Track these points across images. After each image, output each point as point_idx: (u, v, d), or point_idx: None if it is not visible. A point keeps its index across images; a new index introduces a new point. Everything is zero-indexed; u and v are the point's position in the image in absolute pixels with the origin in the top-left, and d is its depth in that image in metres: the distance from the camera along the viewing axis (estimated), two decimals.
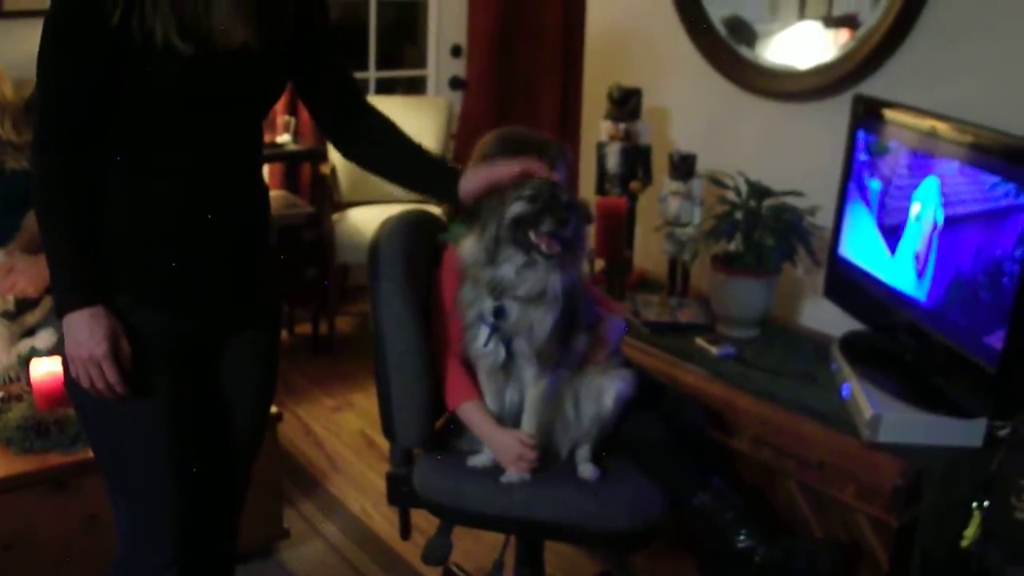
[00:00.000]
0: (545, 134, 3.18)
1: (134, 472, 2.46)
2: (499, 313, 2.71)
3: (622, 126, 4.34)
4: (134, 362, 2.32)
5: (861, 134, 3.49)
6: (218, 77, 2.28)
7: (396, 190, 2.78)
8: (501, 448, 2.81)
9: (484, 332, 2.74)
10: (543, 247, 2.62)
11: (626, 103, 4.35)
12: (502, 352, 2.74)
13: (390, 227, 2.86)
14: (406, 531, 3.13)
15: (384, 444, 4.53)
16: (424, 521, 3.20)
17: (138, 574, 2.55)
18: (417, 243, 2.90)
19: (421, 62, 6.80)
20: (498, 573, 3.07)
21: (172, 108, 2.27)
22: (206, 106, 2.30)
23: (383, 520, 4.15)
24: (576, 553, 3.85)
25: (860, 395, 3.12)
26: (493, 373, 2.82)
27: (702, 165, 4.11)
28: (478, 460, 2.88)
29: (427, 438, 2.93)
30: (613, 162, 4.33)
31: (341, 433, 4.93)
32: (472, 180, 2.69)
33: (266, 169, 6.03)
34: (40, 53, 2.23)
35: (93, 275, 2.28)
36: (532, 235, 2.62)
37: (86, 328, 2.25)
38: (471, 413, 2.85)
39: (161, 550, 2.51)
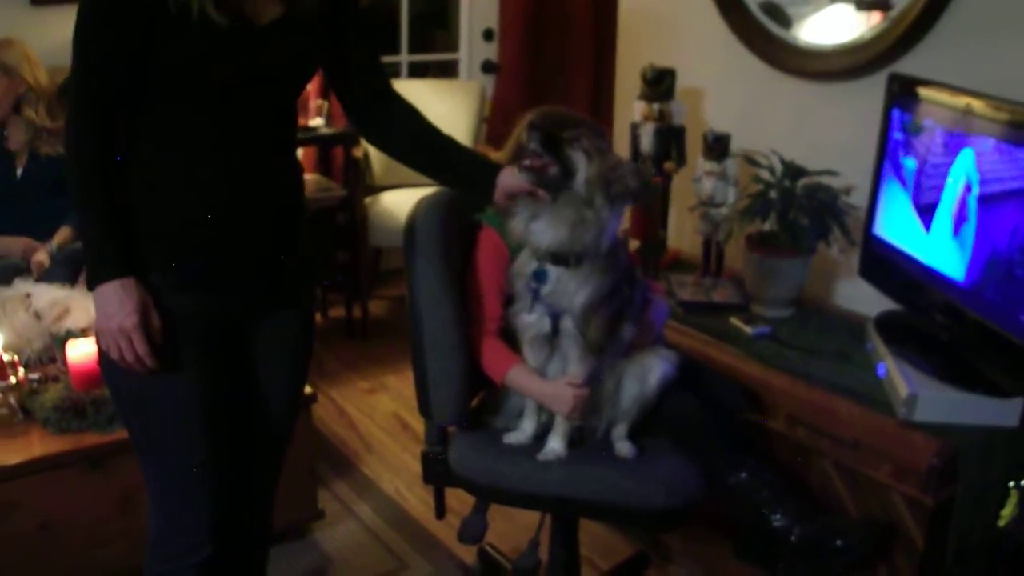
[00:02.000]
0: (582, 115, 3.17)
1: (167, 450, 2.47)
2: (539, 277, 2.71)
3: (656, 106, 4.32)
4: (165, 338, 2.33)
5: (896, 113, 3.46)
6: (252, 52, 2.29)
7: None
8: (557, 399, 2.79)
9: (528, 299, 2.75)
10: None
11: (660, 83, 4.33)
12: (547, 323, 2.75)
13: (426, 206, 2.86)
14: (441, 511, 3.13)
15: (417, 426, 4.61)
16: (458, 502, 3.21)
17: (171, 552, 2.56)
18: (453, 222, 2.90)
19: (452, 46, 6.79)
20: (533, 552, 3.07)
21: (205, 84, 2.27)
22: (238, 82, 2.30)
23: (417, 501, 4.16)
24: (610, 534, 3.86)
25: (896, 374, 3.11)
26: (537, 346, 2.82)
27: (736, 145, 4.09)
28: (515, 437, 2.89)
29: (463, 416, 2.93)
30: (647, 143, 4.31)
31: (375, 415, 4.94)
32: (513, 178, 2.67)
33: (299, 152, 6.05)
34: (76, 27, 2.24)
35: (124, 248, 2.30)
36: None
37: (116, 300, 2.27)
38: (519, 377, 2.84)
39: (194, 529, 2.52)
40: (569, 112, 3.09)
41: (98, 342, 2.39)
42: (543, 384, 2.82)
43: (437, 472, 3.02)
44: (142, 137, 2.32)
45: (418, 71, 6.70)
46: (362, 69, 2.65)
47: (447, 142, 2.72)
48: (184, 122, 2.31)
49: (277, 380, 2.67)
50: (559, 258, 2.69)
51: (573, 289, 2.69)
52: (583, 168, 2.63)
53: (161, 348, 2.33)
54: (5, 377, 3.51)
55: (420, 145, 2.72)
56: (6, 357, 3.51)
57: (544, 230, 2.66)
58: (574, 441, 2.82)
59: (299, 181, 2.59)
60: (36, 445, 3.34)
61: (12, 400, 3.48)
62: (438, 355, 2.86)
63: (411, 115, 2.70)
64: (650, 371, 2.85)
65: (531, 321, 2.77)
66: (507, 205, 2.71)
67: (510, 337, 2.89)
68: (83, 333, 3.64)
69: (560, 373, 2.81)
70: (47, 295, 3.98)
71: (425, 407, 2.95)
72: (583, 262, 2.68)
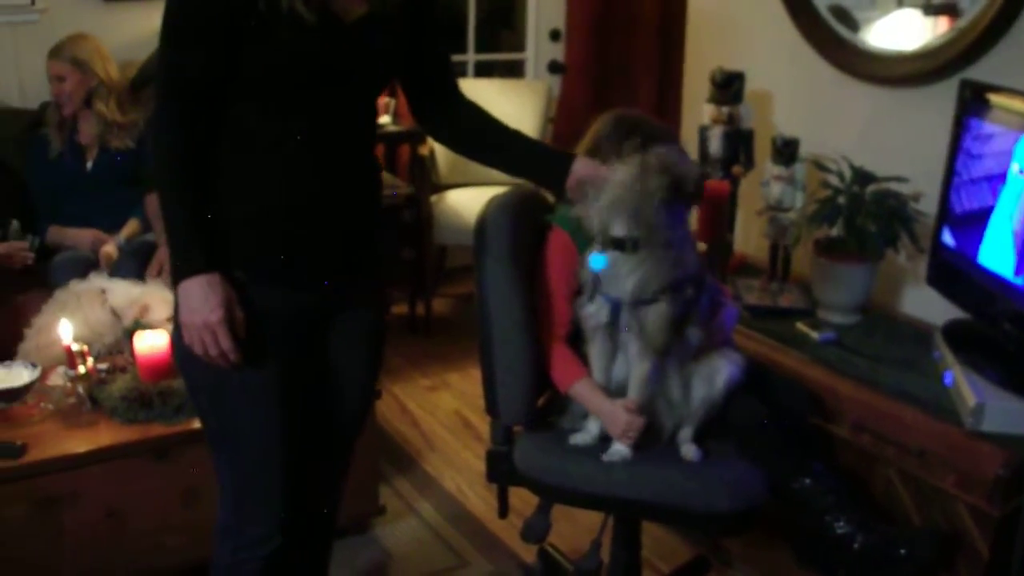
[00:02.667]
0: (659, 121, 3.16)
1: (243, 443, 2.50)
2: (596, 261, 2.72)
3: (725, 109, 4.32)
4: (248, 333, 2.35)
5: (967, 119, 3.44)
6: (339, 49, 2.31)
7: (495, 173, 2.77)
8: (610, 419, 2.81)
9: (590, 287, 2.77)
10: None
11: (729, 87, 4.33)
12: (604, 312, 2.75)
13: (497, 204, 2.87)
14: (504, 510, 3.14)
15: (479, 424, 4.63)
16: (520, 502, 3.21)
17: (241, 543, 2.58)
18: (523, 222, 2.91)
19: (518, 46, 6.79)
20: (596, 553, 3.07)
21: (291, 79, 2.29)
22: (325, 79, 2.32)
23: (478, 499, 4.17)
24: (671, 537, 3.85)
25: (963, 383, 3.09)
26: (598, 338, 2.82)
27: (804, 149, 4.08)
28: (580, 438, 2.89)
29: (529, 416, 2.94)
30: (715, 146, 4.31)
31: (437, 412, 4.95)
32: (586, 165, 2.69)
33: None
34: (163, 23, 2.27)
35: (209, 243, 2.31)
36: None
37: (201, 295, 2.28)
38: (583, 390, 2.86)
39: (265, 520, 2.54)
40: (648, 119, 3.09)
41: (177, 335, 2.41)
42: (603, 402, 2.83)
43: (501, 471, 3.03)
44: (228, 133, 2.34)
45: (484, 70, 6.70)
46: (435, 69, 2.66)
47: (516, 137, 2.73)
48: (270, 119, 2.32)
49: (351, 376, 2.69)
50: (618, 243, 2.70)
51: (625, 273, 2.70)
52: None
53: (244, 342, 2.35)
54: (74, 366, 3.54)
55: (490, 143, 2.74)
56: (76, 347, 3.55)
57: (604, 208, 2.67)
58: (639, 443, 2.81)
59: (379, 179, 2.61)
60: (103, 435, 3.37)
61: (81, 389, 3.51)
62: (506, 354, 2.87)
63: (478, 114, 2.72)
64: (717, 373, 2.84)
65: (591, 311, 2.78)
66: (579, 192, 2.71)
67: (577, 339, 2.90)
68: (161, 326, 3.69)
69: (624, 373, 2.81)
70: (123, 292, 4.03)
71: (492, 406, 2.96)
72: (639, 248, 2.68)
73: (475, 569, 3.74)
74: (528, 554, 3.70)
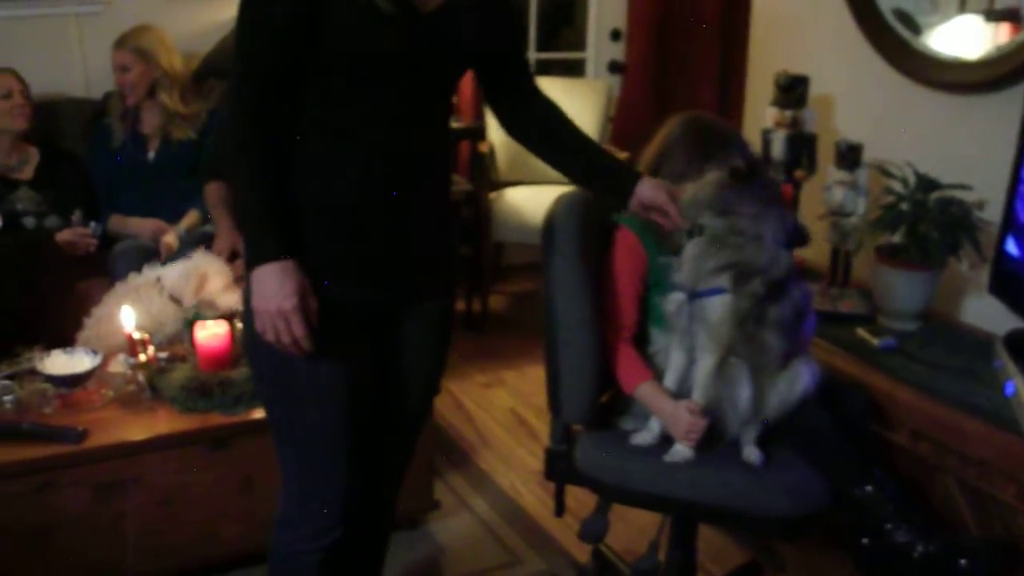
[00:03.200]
0: (729, 124, 3.15)
1: (308, 434, 2.50)
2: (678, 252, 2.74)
3: (788, 113, 4.30)
4: (321, 322, 2.34)
5: None
6: (416, 39, 2.30)
7: (555, 171, 2.76)
8: (672, 420, 2.81)
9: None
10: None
11: (793, 90, 4.31)
12: (675, 303, 2.77)
13: (566, 203, 2.87)
14: (560, 509, 3.14)
15: (534, 422, 4.64)
16: (574, 501, 3.21)
17: (301, 534, 2.59)
18: (591, 221, 2.91)
19: (578, 45, 6.78)
20: (653, 554, 3.07)
21: (370, 71, 2.28)
22: (403, 70, 2.31)
23: (532, 497, 4.17)
24: (725, 541, 3.84)
25: None
26: (676, 334, 2.83)
27: (867, 155, 4.05)
28: (642, 438, 2.88)
29: (592, 415, 2.94)
30: (778, 149, 4.29)
31: (492, 409, 4.96)
32: (652, 190, 2.67)
33: None
34: (240, 11, 2.28)
35: (283, 229, 2.31)
36: None
37: (276, 281, 2.27)
38: (647, 392, 2.86)
39: (327, 512, 2.55)
40: (717, 122, 3.09)
41: (248, 322, 2.42)
42: (665, 403, 2.82)
43: (560, 470, 3.03)
44: (305, 123, 2.34)
45: (543, 69, 6.71)
46: (511, 62, 2.66)
47: (587, 144, 2.73)
48: (343, 109, 2.32)
49: (417, 371, 2.69)
50: (689, 232, 2.72)
51: (688, 257, 2.73)
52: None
53: (316, 332, 2.34)
54: (135, 354, 3.57)
55: (561, 144, 2.72)
56: (137, 335, 3.57)
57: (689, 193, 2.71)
58: (702, 444, 2.81)
59: (449, 173, 2.62)
60: (162, 423, 3.40)
61: (141, 377, 3.54)
62: (571, 353, 2.86)
63: (555, 113, 2.71)
64: (797, 380, 2.82)
65: (672, 298, 2.80)
66: (644, 214, 2.71)
67: (643, 340, 2.91)
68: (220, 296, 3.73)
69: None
70: (175, 272, 4.06)
71: (555, 403, 2.95)
72: (704, 233, 2.71)
73: (528, 567, 3.74)
74: (581, 553, 3.71)
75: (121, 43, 4.75)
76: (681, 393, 2.84)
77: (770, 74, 4.44)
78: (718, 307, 2.71)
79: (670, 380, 2.86)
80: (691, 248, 2.73)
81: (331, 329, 2.37)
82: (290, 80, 2.30)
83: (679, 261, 2.76)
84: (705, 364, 2.76)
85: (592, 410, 2.92)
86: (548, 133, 2.71)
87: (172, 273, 4.14)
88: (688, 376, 2.84)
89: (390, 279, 2.46)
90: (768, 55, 5.19)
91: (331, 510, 2.55)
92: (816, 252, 4.47)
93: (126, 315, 3.63)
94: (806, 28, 5.00)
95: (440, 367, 2.78)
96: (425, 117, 2.42)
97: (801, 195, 4.32)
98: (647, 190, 2.66)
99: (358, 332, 2.47)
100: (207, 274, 4.11)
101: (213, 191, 4.60)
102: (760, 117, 4.55)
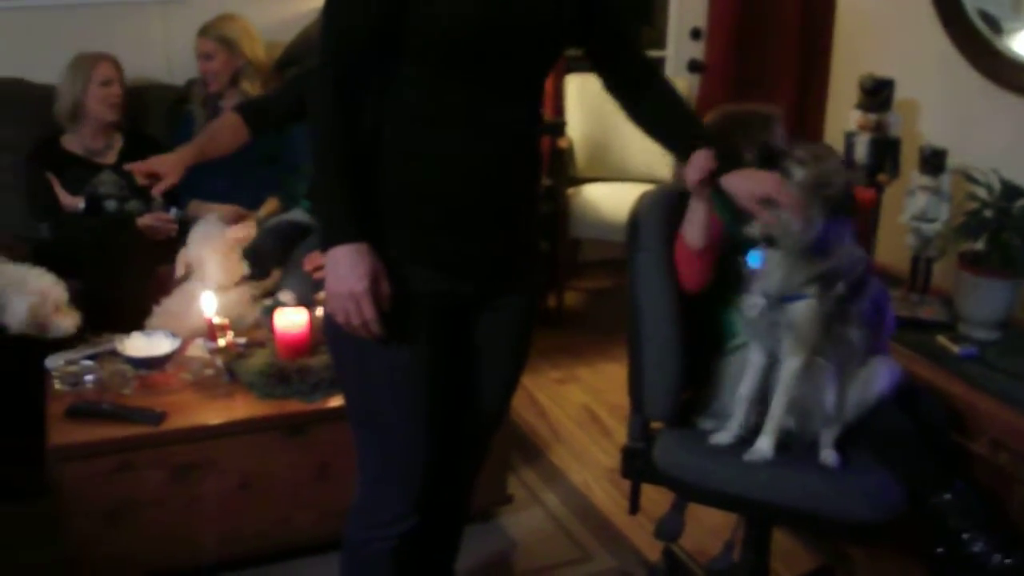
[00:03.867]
0: (754, 105, 3.17)
1: (385, 422, 2.50)
2: (754, 259, 2.72)
3: (873, 116, 4.27)
4: (394, 309, 2.34)
5: None
6: (509, 21, 2.27)
7: (633, 168, 2.75)
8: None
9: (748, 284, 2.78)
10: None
11: (878, 93, 4.28)
12: (758, 308, 2.75)
13: (649, 201, 2.87)
14: (635, 506, 3.13)
15: (607, 419, 4.63)
16: (645, 500, 3.19)
17: (376, 521, 2.59)
18: (675, 217, 2.90)
19: (656, 43, 6.77)
20: (728, 554, 3.06)
21: (461, 54, 2.27)
22: (494, 54, 2.29)
23: (603, 494, 4.16)
24: (796, 545, 3.81)
25: None
26: (755, 332, 2.82)
27: (951, 160, 4.01)
28: (721, 438, 2.87)
29: (674, 412, 2.93)
30: (861, 152, 4.26)
31: (565, 405, 4.95)
32: (703, 159, 2.62)
33: None
34: None
35: (360, 212, 2.30)
36: None
37: (348, 263, 2.27)
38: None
39: (402, 500, 2.55)
40: (743, 109, 3.08)
41: (327, 311, 2.42)
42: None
43: (636, 468, 3.03)
44: (388, 106, 2.33)
45: None
46: (617, 42, 2.62)
47: (680, 115, 2.70)
48: (431, 92, 2.31)
49: (497, 364, 2.68)
50: (770, 239, 2.70)
51: (773, 268, 2.71)
52: (798, 175, 2.62)
53: (389, 317, 2.34)
54: (215, 339, 3.60)
55: (669, 128, 2.69)
56: (217, 320, 3.60)
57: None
58: (782, 445, 2.79)
59: (539, 164, 2.60)
60: (239, 408, 3.43)
61: (220, 362, 3.57)
62: (655, 349, 2.86)
63: (668, 93, 2.68)
64: (875, 378, 2.80)
65: (748, 304, 2.78)
66: (699, 192, 2.71)
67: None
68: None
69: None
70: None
71: (637, 400, 2.95)
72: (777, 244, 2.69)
73: (598, 564, 3.73)
74: (652, 552, 3.69)
75: (205, 31, 4.79)
76: (760, 393, 2.83)
77: (854, 76, 4.42)
78: (804, 312, 2.69)
79: (747, 380, 2.85)
80: (774, 257, 2.71)
81: (408, 317, 2.38)
82: (376, 60, 2.30)
83: (760, 271, 2.74)
84: (791, 366, 2.74)
85: (674, 407, 2.92)
86: (656, 121, 2.68)
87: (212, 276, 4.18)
88: (766, 376, 2.83)
89: (468, 269, 2.44)
90: (852, 57, 5.16)
91: (406, 498, 2.55)
92: (896, 258, 4.44)
93: (206, 300, 3.66)
94: (892, 31, 4.96)
95: (518, 366, 2.76)
96: (515, 104, 2.39)
97: (883, 200, 4.28)
98: (701, 160, 2.61)
99: (437, 323, 2.45)
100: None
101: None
102: (842, 120, 4.52)
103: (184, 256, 4.06)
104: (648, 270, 2.82)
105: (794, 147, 2.68)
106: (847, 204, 2.70)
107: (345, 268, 2.28)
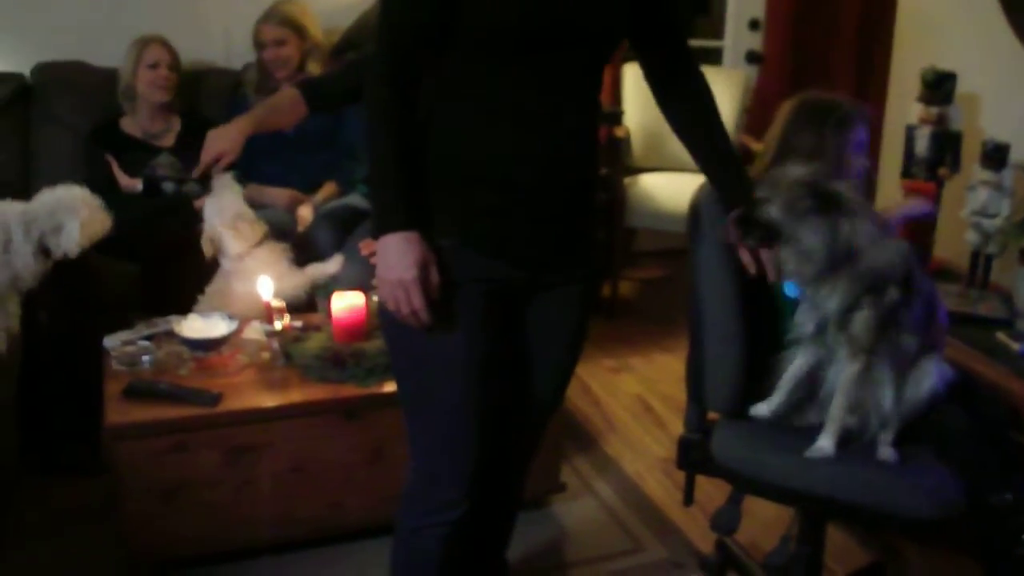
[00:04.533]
0: (840, 96, 3.10)
1: (438, 408, 2.49)
2: (791, 289, 2.71)
3: (934, 110, 4.24)
4: (445, 297, 2.34)
5: None
6: (568, 11, 2.25)
7: (690, 159, 2.72)
8: None
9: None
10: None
11: (940, 87, 4.25)
12: (811, 325, 2.73)
13: (711, 190, 2.84)
14: (689, 498, 3.11)
15: (661, 409, 4.64)
16: (698, 492, 3.17)
17: (428, 507, 2.58)
18: None
19: (714, 34, 6.75)
20: (785, 548, 3.04)
21: (511, 43, 2.25)
22: (552, 43, 2.27)
23: (656, 484, 4.15)
24: (848, 540, 3.78)
25: None
26: (806, 345, 2.79)
27: (1014, 155, 3.97)
28: (760, 410, 2.87)
29: (733, 404, 2.90)
30: (922, 146, 4.23)
31: (618, 395, 4.94)
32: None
33: None
34: None
35: (412, 201, 2.30)
36: None
37: (398, 251, 2.27)
38: None
39: (454, 485, 2.53)
40: (827, 98, 3.04)
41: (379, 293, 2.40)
42: None
43: (692, 459, 3.01)
44: (445, 95, 2.33)
45: None
46: (664, 36, 2.59)
47: (716, 144, 2.69)
48: (488, 82, 2.30)
49: (552, 353, 2.65)
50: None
51: (824, 296, 2.68)
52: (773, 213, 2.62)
53: (439, 306, 2.33)
54: (271, 322, 3.61)
55: (690, 134, 2.68)
56: (275, 303, 3.61)
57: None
58: (842, 441, 2.77)
59: (596, 154, 2.55)
60: (294, 391, 3.43)
61: (276, 345, 3.58)
62: (716, 340, 2.84)
63: (698, 101, 2.66)
64: (924, 377, 2.77)
65: (799, 320, 2.75)
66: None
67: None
68: None
69: (836, 374, 2.77)
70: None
71: (696, 391, 2.93)
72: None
73: (650, 555, 3.71)
74: (704, 544, 3.68)
75: (272, 17, 4.80)
76: (799, 390, 2.83)
77: (915, 69, 4.39)
78: (859, 323, 2.67)
79: (787, 378, 2.83)
80: (819, 287, 2.67)
81: (462, 305, 2.37)
82: (433, 50, 2.29)
83: (801, 299, 2.74)
84: (851, 371, 2.71)
85: (734, 399, 2.88)
86: (685, 122, 2.68)
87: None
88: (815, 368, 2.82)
89: (521, 256, 2.42)
90: (914, 50, 5.12)
91: (457, 485, 2.54)
92: (955, 252, 4.40)
93: (263, 284, 3.68)
94: (954, 23, 4.92)
95: (574, 355, 2.73)
96: (572, 93, 2.37)
97: (943, 194, 4.25)
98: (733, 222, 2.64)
99: (491, 309, 2.43)
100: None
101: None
102: (902, 113, 4.49)
103: (207, 235, 4.07)
104: (710, 260, 2.79)
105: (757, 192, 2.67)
106: (832, 197, 2.64)
107: (395, 256, 2.28)
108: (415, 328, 2.35)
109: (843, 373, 2.73)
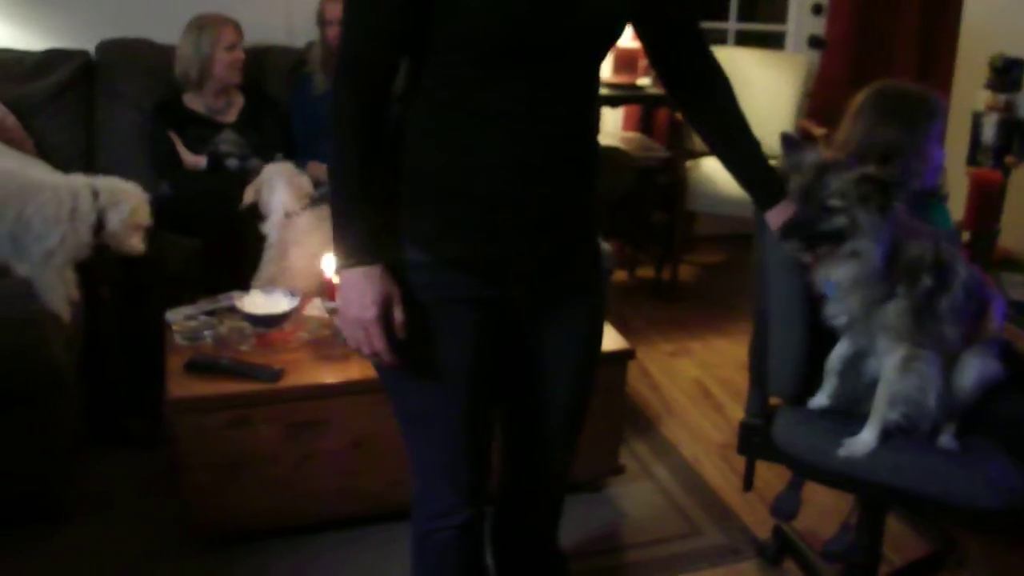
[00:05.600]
0: (920, 87, 3.04)
1: (429, 423, 2.41)
2: (828, 288, 2.67)
3: (1002, 97, 4.20)
4: (427, 315, 2.23)
5: None
6: (558, 15, 2.08)
7: None
8: None
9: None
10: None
11: (1008, 73, 4.21)
12: (845, 317, 2.70)
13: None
14: (749, 483, 3.10)
15: (719, 394, 4.63)
16: (756, 478, 3.16)
17: (432, 512, 2.53)
18: None
19: (776, 17, 6.71)
20: (845, 536, 3.03)
21: (503, 49, 2.08)
22: (541, 51, 2.10)
23: (713, 469, 4.14)
24: (905, 531, 3.75)
25: None
26: (845, 335, 2.77)
27: None
28: (815, 401, 2.84)
29: (797, 390, 2.88)
30: (989, 134, 4.20)
31: (677, 378, 4.94)
32: (783, 214, 2.58)
33: (622, 111, 6.09)
34: None
35: (375, 232, 2.18)
36: None
37: (358, 288, 2.16)
38: None
39: (453, 492, 2.48)
40: (908, 88, 2.99)
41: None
42: None
43: (753, 444, 2.99)
44: (423, 104, 2.18)
45: (741, 40, 6.64)
46: (677, 33, 2.43)
47: (745, 147, 2.55)
48: (471, 90, 2.13)
49: (560, 372, 2.53)
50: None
51: (848, 290, 2.64)
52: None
53: (410, 342, 2.23)
54: (332, 299, 3.62)
55: (717, 134, 2.54)
56: (336, 280, 3.62)
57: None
58: (901, 430, 2.74)
59: (594, 163, 2.37)
60: (355, 368, 3.43)
61: (337, 322, 3.59)
62: (782, 325, 2.81)
63: (721, 99, 2.49)
64: (968, 368, 2.73)
65: (834, 313, 2.72)
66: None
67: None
68: None
69: (876, 366, 2.75)
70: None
71: (759, 375, 2.91)
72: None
73: (707, 539, 3.70)
74: (761, 530, 3.67)
75: None
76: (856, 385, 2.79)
77: (982, 55, 4.34)
78: (893, 311, 2.63)
79: (831, 365, 2.81)
80: (847, 272, 2.63)
81: (447, 321, 2.26)
82: (397, 62, 2.14)
83: (837, 287, 2.68)
84: (892, 360, 2.67)
85: (797, 384, 2.85)
86: (711, 122, 2.53)
87: (281, 195, 4.21)
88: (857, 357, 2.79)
89: (509, 274, 2.29)
90: (981, 36, 5.07)
91: (455, 491, 2.48)
92: (1022, 241, 4.37)
93: (327, 260, 3.69)
94: (1022, 9, 4.86)
95: (591, 365, 2.60)
96: (563, 100, 2.20)
97: (1010, 182, 4.21)
98: (776, 218, 2.58)
99: (478, 330, 2.32)
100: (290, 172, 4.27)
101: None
102: (967, 99, 4.45)
103: (253, 185, 4.10)
104: (777, 244, 2.76)
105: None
106: (882, 190, 2.59)
107: (354, 293, 2.17)
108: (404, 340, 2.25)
109: (884, 364, 2.71)
